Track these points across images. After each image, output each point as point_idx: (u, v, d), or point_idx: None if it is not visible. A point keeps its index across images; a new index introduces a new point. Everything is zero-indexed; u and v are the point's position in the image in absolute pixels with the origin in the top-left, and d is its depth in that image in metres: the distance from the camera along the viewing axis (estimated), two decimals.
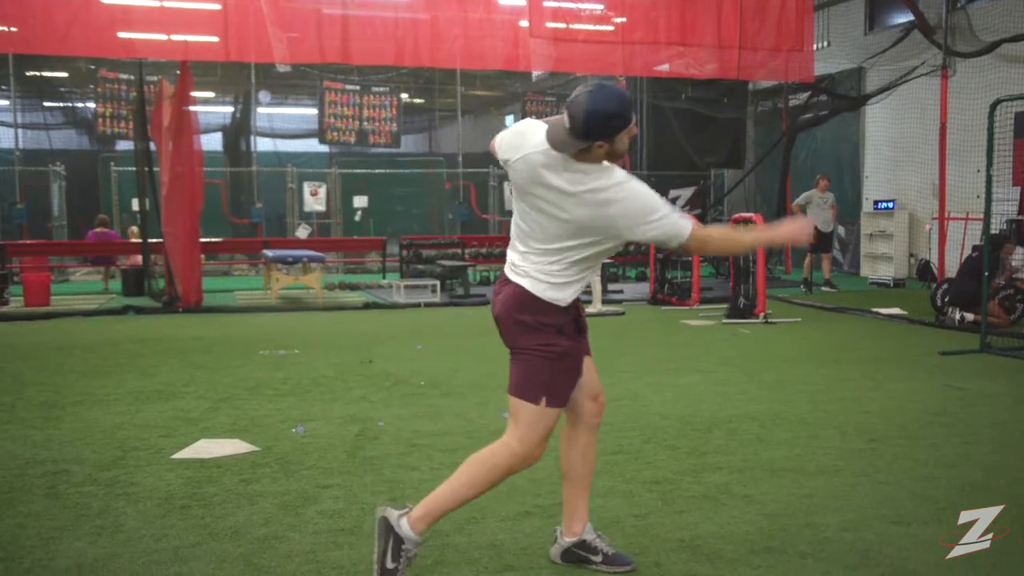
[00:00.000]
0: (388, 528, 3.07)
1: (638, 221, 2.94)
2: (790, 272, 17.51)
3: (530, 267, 3.08)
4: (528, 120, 3.22)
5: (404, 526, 3.06)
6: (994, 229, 9.52)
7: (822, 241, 14.07)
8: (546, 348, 3.06)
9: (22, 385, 6.83)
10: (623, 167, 3.14)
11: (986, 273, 8.51)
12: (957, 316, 9.74)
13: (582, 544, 3.28)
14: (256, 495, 4.11)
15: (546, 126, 3.02)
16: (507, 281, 3.14)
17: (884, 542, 3.50)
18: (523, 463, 3.11)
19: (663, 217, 2.96)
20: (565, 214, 2.99)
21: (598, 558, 3.26)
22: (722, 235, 3.33)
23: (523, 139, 3.08)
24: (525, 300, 3.07)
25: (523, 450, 3.09)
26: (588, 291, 12.38)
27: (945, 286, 10.46)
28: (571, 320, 3.14)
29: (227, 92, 22.31)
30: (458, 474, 3.13)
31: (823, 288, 13.94)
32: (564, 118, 2.94)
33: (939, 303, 10.30)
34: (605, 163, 3.02)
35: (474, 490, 3.12)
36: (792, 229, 3.18)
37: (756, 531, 3.62)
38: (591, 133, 2.90)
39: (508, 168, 3.12)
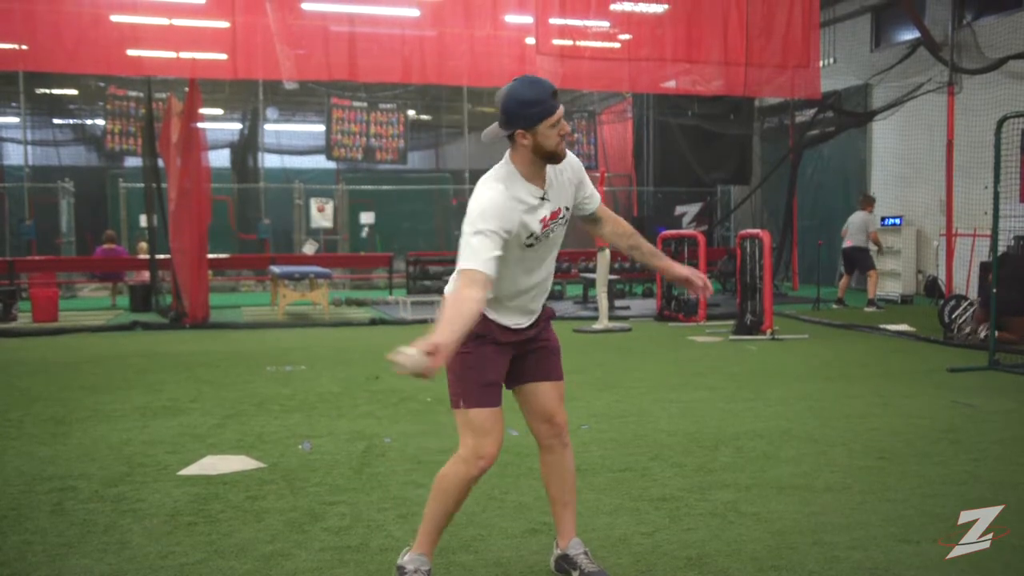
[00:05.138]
0: (397, 568, 3.24)
1: (467, 215, 2.98)
2: (797, 288, 17.49)
3: None
4: None
5: (404, 556, 3.24)
6: (1002, 245, 9.48)
7: (860, 259, 14.06)
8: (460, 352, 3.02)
9: (30, 400, 6.85)
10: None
11: (994, 290, 8.48)
12: (982, 333, 9.54)
13: (565, 558, 3.34)
14: (262, 512, 4.10)
15: None
16: None
17: (893, 560, 3.48)
18: (469, 470, 3.12)
19: (465, 238, 2.92)
20: None
21: (575, 573, 3.29)
22: (452, 301, 2.89)
23: None
24: None
25: (465, 454, 3.14)
26: (594, 307, 12.37)
27: (953, 302, 10.42)
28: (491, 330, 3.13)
29: (235, 109, 22.47)
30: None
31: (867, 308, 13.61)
32: None
33: (947, 319, 10.25)
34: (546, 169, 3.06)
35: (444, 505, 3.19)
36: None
37: (764, 549, 3.61)
38: (509, 120, 2.97)
39: None
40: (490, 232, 2.89)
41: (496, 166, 3.09)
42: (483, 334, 3.10)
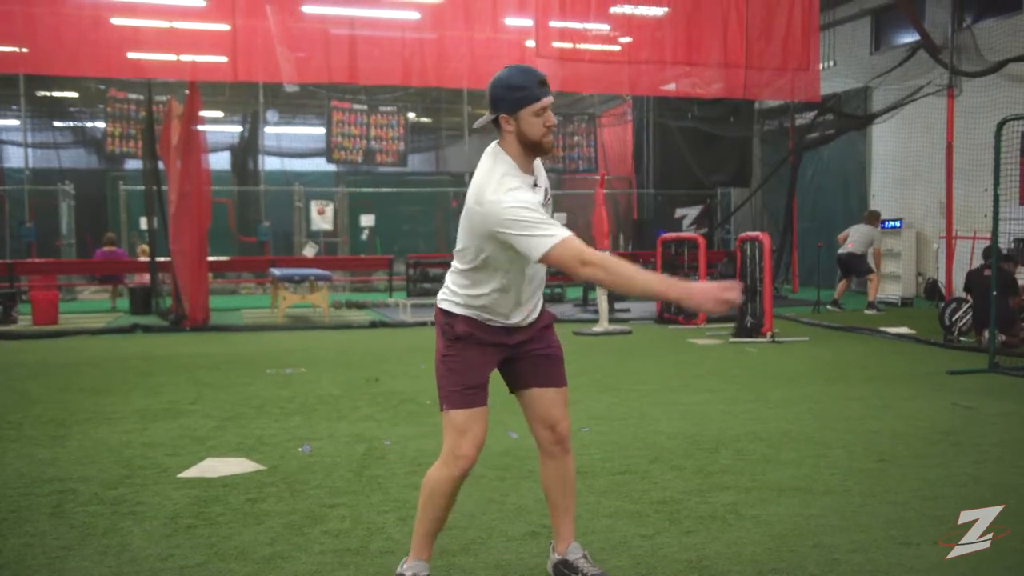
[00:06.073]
0: None
1: (499, 221, 2.86)
2: (797, 291, 17.49)
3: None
4: None
5: (403, 564, 3.26)
6: (1001, 248, 9.49)
7: (857, 265, 14.05)
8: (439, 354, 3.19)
9: (30, 403, 6.85)
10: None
11: (994, 292, 8.48)
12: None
13: (564, 563, 3.32)
14: (262, 514, 4.10)
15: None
16: None
17: (893, 563, 3.48)
18: (451, 470, 3.15)
19: (517, 213, 2.84)
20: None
21: None
22: (605, 265, 2.82)
23: None
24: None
25: (445, 454, 3.19)
26: (594, 310, 12.37)
27: (954, 305, 10.41)
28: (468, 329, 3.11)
29: (235, 111, 22.46)
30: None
31: (867, 311, 13.66)
32: None
33: (947, 322, 10.25)
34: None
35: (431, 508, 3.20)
36: (707, 293, 2.80)
37: (764, 552, 3.60)
38: (494, 103, 2.99)
39: None
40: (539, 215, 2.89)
41: (492, 160, 2.99)
42: (465, 335, 3.13)
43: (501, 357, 3.22)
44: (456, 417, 3.14)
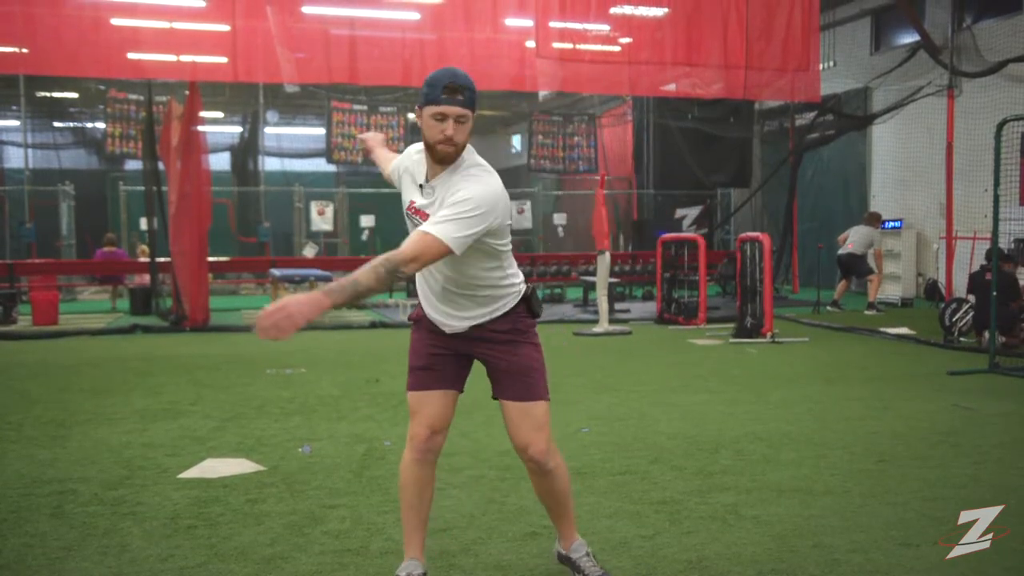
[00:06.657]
0: None
1: None
2: (797, 291, 17.48)
3: None
4: None
5: (399, 567, 3.26)
6: (1002, 248, 9.49)
7: (857, 266, 14.04)
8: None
9: (29, 403, 6.84)
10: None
11: (994, 293, 8.48)
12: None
13: (568, 559, 3.35)
14: (262, 515, 4.10)
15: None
16: None
17: (893, 563, 3.48)
18: (407, 453, 3.22)
19: None
20: None
21: None
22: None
23: None
24: None
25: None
26: (594, 310, 12.36)
27: (954, 305, 10.42)
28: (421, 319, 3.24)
29: (235, 112, 22.47)
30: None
31: (867, 311, 13.67)
32: None
33: (947, 322, 10.25)
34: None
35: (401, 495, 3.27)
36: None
37: (764, 552, 3.60)
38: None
39: None
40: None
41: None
42: (417, 319, 3.24)
43: (462, 350, 3.17)
44: (409, 399, 3.21)
